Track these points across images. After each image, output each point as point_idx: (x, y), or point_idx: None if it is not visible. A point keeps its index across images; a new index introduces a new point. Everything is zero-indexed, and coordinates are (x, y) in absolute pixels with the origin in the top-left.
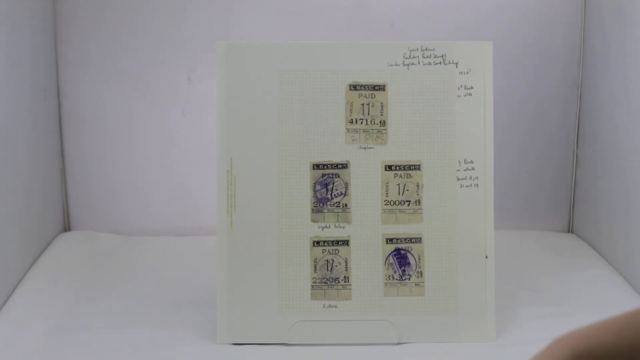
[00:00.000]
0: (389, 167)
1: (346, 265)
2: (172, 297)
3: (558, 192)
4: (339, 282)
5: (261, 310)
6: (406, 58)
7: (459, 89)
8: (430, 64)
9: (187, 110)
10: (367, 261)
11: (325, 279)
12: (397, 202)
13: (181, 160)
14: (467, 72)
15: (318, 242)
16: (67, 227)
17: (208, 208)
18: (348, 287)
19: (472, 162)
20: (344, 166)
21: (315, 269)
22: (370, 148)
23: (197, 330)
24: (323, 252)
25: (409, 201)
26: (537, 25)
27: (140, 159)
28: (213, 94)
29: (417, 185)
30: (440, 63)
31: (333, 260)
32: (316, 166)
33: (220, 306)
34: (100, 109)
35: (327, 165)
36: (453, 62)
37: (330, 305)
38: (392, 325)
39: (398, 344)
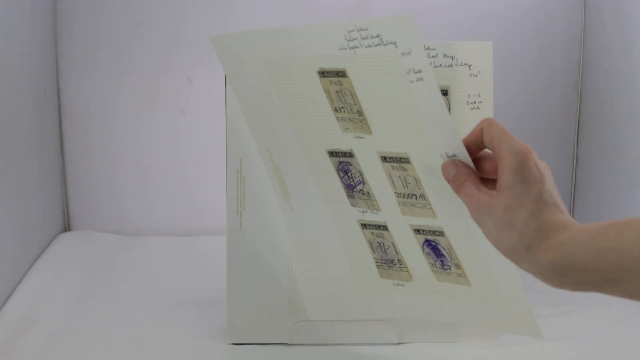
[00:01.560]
0: (384, 159)
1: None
2: (173, 297)
3: (558, 192)
4: None
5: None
6: (349, 41)
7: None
8: (370, 46)
9: (187, 110)
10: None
11: None
12: (405, 195)
13: (181, 160)
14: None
15: None
16: (67, 227)
17: (208, 208)
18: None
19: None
20: (351, 155)
21: None
22: (361, 137)
23: (198, 330)
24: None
25: (415, 195)
26: (537, 25)
27: (140, 159)
28: (213, 94)
29: (415, 179)
30: (379, 44)
31: None
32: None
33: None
34: (100, 109)
35: (338, 153)
36: (391, 42)
37: None
38: (392, 326)
39: (398, 344)
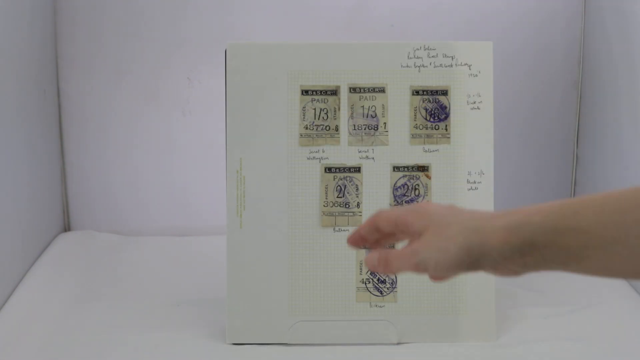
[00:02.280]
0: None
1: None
2: (172, 297)
3: (558, 192)
4: None
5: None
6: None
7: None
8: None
9: (187, 110)
10: None
11: None
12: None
13: (181, 160)
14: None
15: None
16: (67, 227)
17: (208, 208)
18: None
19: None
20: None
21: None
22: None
23: (198, 330)
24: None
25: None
26: (537, 24)
27: (140, 159)
28: (213, 94)
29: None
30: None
31: None
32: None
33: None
34: (100, 109)
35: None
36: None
37: None
38: (392, 325)
39: (398, 344)
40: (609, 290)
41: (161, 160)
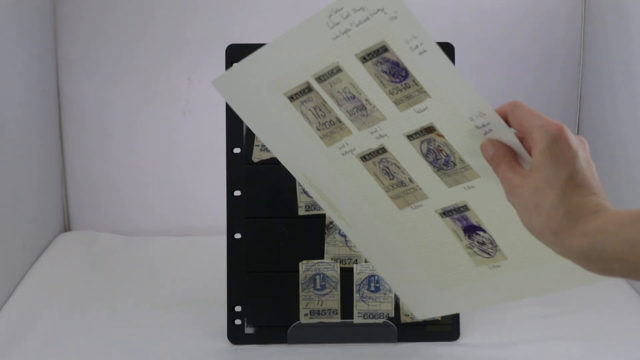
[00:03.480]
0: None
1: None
2: (172, 297)
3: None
4: None
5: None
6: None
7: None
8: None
9: (187, 110)
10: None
11: None
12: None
13: (181, 160)
14: None
15: None
16: (67, 227)
17: (208, 208)
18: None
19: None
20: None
21: None
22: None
23: (198, 330)
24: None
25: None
26: (537, 25)
27: (140, 159)
28: (213, 94)
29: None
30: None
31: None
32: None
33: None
34: (100, 109)
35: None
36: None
37: None
38: (392, 325)
39: (398, 343)
40: (609, 290)
41: (161, 160)
